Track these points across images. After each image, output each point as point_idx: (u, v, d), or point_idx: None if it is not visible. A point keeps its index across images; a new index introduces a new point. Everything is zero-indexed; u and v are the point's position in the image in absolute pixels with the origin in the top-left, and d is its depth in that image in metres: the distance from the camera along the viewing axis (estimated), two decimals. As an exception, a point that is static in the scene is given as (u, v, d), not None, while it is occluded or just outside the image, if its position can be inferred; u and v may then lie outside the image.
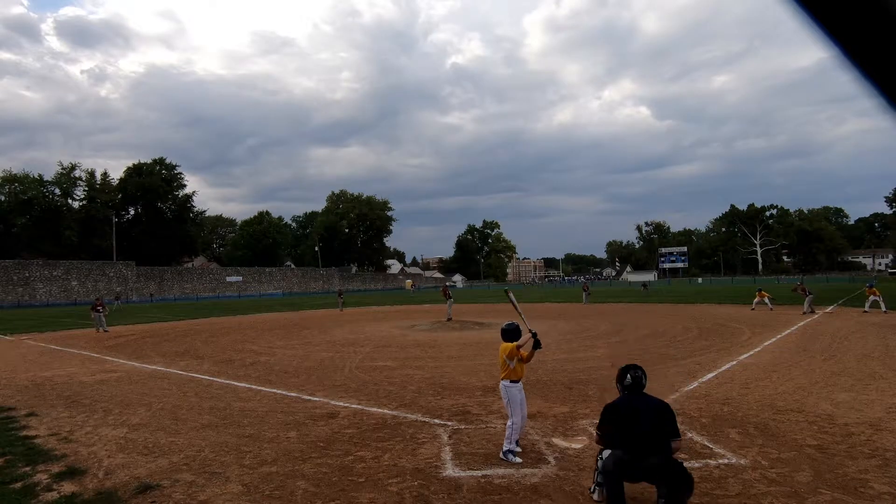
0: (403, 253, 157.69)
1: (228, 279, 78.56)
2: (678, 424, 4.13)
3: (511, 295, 6.68)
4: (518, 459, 5.43)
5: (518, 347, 5.62)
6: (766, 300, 24.51)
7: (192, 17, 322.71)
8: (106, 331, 21.59)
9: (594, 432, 4.25)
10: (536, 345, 5.63)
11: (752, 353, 12.05)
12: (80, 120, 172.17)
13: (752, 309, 24.03)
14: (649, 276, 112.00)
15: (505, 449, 5.52)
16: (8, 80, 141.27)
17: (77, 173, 74.60)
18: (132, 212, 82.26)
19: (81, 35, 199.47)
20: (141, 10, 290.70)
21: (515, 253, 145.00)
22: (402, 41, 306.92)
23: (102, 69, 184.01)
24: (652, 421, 4.00)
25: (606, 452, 4.16)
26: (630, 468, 3.95)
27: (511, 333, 5.73)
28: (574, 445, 5.88)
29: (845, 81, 0.69)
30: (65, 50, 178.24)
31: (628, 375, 4.22)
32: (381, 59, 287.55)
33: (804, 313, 20.98)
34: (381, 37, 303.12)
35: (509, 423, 5.57)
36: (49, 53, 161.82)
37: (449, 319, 21.72)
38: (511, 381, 5.63)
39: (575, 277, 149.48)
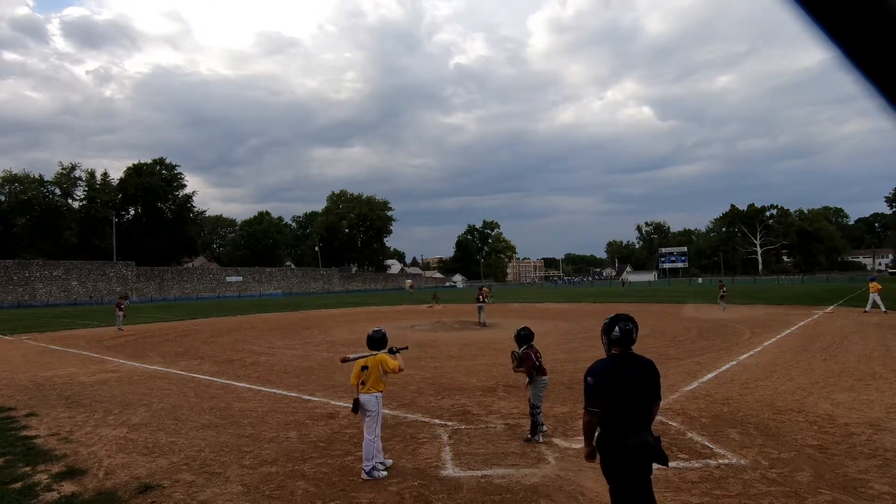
0: (403, 253, 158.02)
1: (228, 279, 78.53)
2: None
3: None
4: (385, 473, 5.12)
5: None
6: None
7: (197, 17, 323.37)
8: (121, 329, 21.53)
9: (585, 410, 3.37)
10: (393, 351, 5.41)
11: (752, 353, 12.05)
12: (85, 120, 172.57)
13: (723, 309, 23.70)
14: (649, 276, 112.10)
15: (371, 465, 5.08)
16: (13, 80, 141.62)
17: (77, 173, 74.77)
18: (132, 212, 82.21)
19: (87, 36, 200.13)
20: (147, 11, 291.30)
21: (515, 253, 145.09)
22: (407, 42, 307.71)
23: (107, 70, 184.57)
24: (644, 385, 3.37)
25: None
26: (627, 448, 3.24)
27: (380, 341, 5.38)
28: (574, 445, 5.87)
29: (847, 82, 0.69)
30: (70, 51, 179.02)
31: (617, 328, 3.38)
32: (385, 60, 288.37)
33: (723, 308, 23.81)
34: (385, 37, 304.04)
35: (372, 438, 5.13)
36: (55, 54, 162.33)
37: (483, 325, 19.82)
38: (381, 392, 5.31)
39: (569, 278, 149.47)
